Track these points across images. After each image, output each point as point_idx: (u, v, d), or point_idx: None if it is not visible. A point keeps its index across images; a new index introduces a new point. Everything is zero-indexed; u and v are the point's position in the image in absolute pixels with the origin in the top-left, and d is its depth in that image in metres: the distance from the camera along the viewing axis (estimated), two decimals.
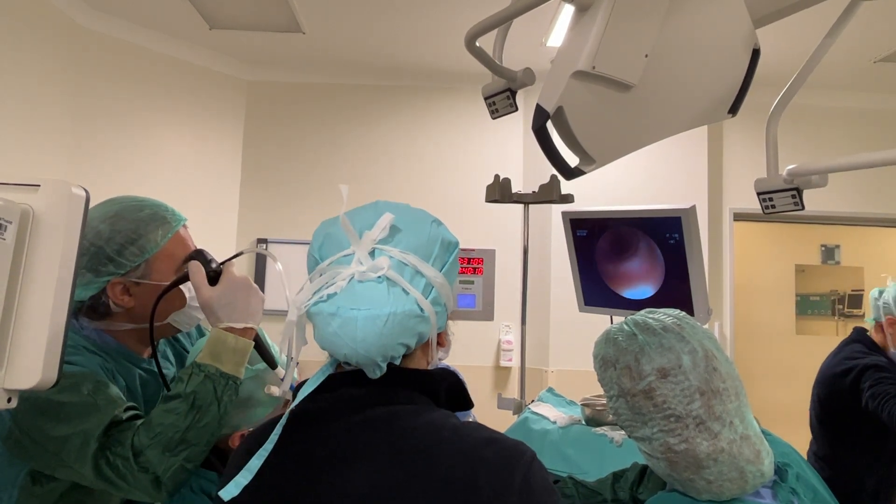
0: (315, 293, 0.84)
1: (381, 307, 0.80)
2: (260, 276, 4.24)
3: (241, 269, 4.18)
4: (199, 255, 1.21)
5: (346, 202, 0.91)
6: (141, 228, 1.20)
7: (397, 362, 0.84)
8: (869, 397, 2.46)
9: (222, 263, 1.21)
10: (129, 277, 1.19)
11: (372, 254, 0.85)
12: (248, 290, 1.18)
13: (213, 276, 1.17)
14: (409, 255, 0.85)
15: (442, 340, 0.92)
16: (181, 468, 1.04)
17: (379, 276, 0.83)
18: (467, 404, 0.94)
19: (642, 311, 1.09)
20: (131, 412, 1.09)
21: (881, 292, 2.66)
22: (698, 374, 0.97)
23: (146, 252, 1.19)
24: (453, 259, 0.91)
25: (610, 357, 1.04)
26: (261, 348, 1.23)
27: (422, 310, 0.83)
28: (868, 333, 2.69)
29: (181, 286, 1.22)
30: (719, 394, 0.97)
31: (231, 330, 1.13)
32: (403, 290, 0.83)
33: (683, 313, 1.07)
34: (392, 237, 0.87)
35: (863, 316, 2.89)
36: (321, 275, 0.87)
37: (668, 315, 1.05)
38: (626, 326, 1.06)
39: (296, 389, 0.91)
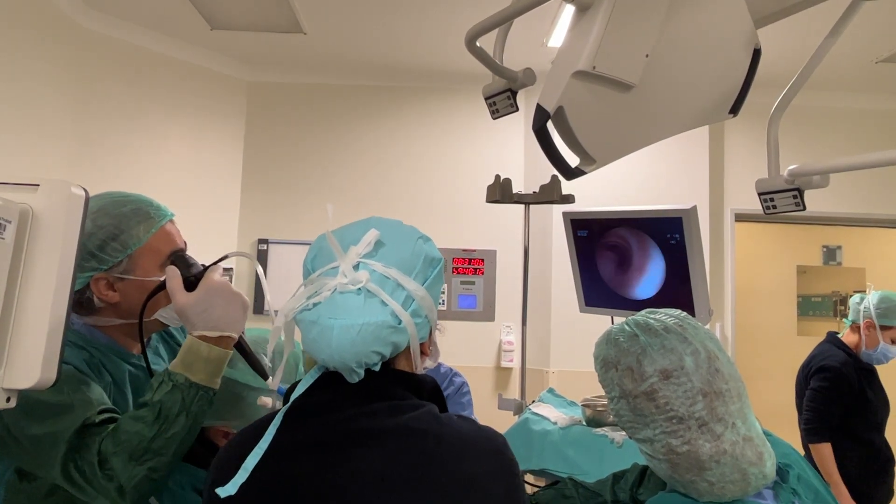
0: (302, 302, 0.90)
1: (356, 318, 0.86)
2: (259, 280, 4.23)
3: (242, 271, 4.20)
4: (180, 260, 1.19)
5: (331, 220, 0.98)
6: (122, 224, 1.18)
7: (376, 368, 0.89)
8: (808, 398, 2.89)
9: (207, 267, 1.19)
10: (113, 273, 1.17)
11: (356, 267, 0.90)
12: (227, 297, 1.14)
13: (194, 282, 1.14)
14: (392, 269, 0.91)
15: (425, 350, 0.97)
16: (146, 478, 1.02)
17: (358, 289, 0.88)
18: (443, 411, 0.98)
19: (643, 312, 1.09)
20: (105, 415, 1.07)
21: (862, 298, 2.99)
22: (701, 376, 0.97)
23: (128, 248, 1.17)
24: (436, 274, 0.96)
25: (611, 358, 1.03)
26: (248, 357, 1.21)
27: (399, 321, 0.88)
28: (839, 335, 3.04)
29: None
30: (722, 395, 0.96)
31: (205, 338, 1.10)
32: (382, 301, 0.88)
33: (685, 314, 1.06)
34: (376, 252, 0.92)
35: None
36: (311, 284, 0.92)
37: (669, 315, 1.05)
38: (627, 327, 1.05)
39: (287, 392, 0.94)
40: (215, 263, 1.20)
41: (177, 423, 1.05)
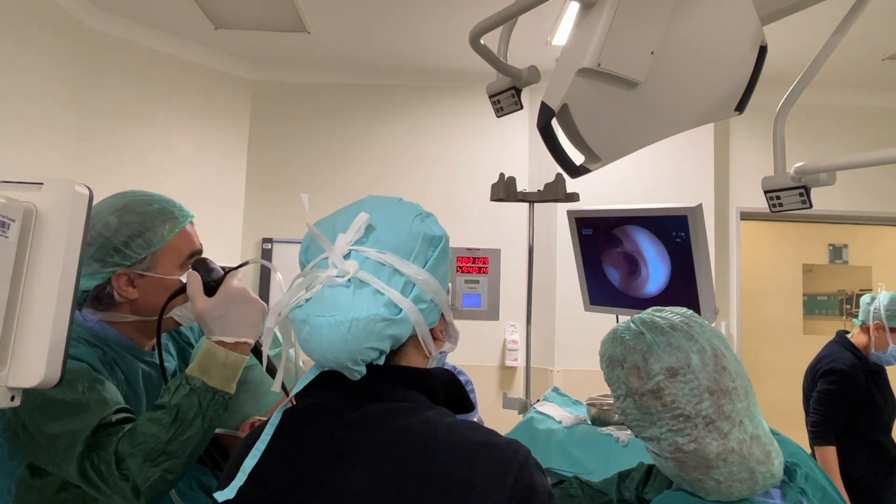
0: (293, 298, 0.85)
1: (345, 313, 0.79)
2: (265, 279, 4.24)
3: (247, 270, 4.20)
4: (202, 265, 1.20)
5: (307, 210, 0.92)
6: (148, 222, 1.21)
7: (380, 362, 0.83)
8: (815, 401, 2.85)
9: (228, 272, 1.20)
10: (135, 269, 1.20)
11: (347, 256, 0.85)
12: (245, 303, 1.15)
13: (214, 287, 1.16)
14: (387, 254, 0.84)
15: (437, 335, 0.90)
16: (161, 479, 1.04)
17: (347, 281, 0.82)
18: (467, 406, 0.93)
19: (649, 310, 1.08)
20: (122, 415, 1.08)
21: (873, 298, 2.93)
22: (707, 374, 0.96)
23: (152, 245, 1.20)
24: (439, 253, 0.90)
25: (617, 356, 1.03)
26: (262, 360, 1.22)
27: (396, 312, 0.82)
28: (849, 336, 2.99)
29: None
30: (729, 393, 0.96)
31: (222, 344, 1.12)
32: (375, 291, 0.82)
33: (691, 311, 1.06)
34: (367, 237, 0.86)
35: None
36: (304, 278, 0.87)
37: (675, 313, 1.04)
38: (632, 325, 1.05)
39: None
40: (235, 269, 1.21)
41: (193, 426, 1.06)
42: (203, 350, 1.11)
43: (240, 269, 1.22)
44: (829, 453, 2.75)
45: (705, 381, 0.96)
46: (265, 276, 4.25)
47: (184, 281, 1.21)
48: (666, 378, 0.97)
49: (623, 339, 1.03)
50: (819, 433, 2.80)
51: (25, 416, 1.06)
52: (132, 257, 1.19)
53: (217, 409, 1.10)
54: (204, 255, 1.27)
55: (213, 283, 1.17)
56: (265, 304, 1.18)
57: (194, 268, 1.19)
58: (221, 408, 1.11)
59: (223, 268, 1.22)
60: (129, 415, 1.10)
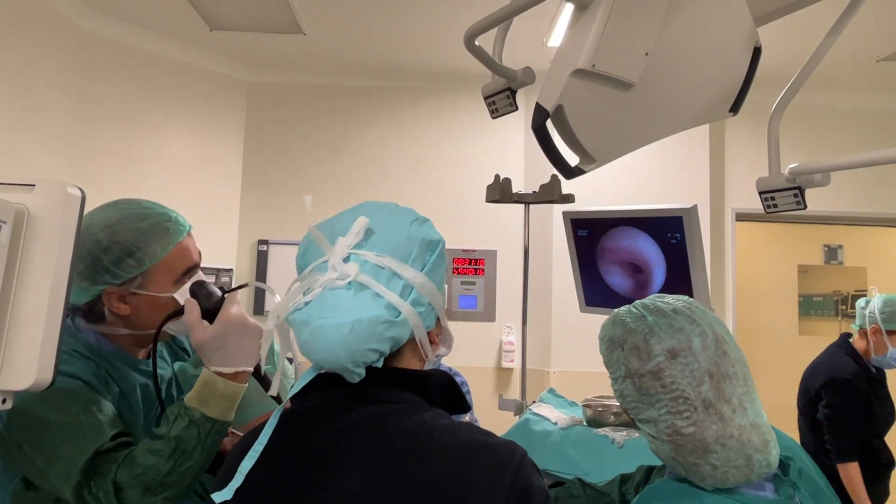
0: (292, 301, 0.85)
1: (346, 315, 0.81)
2: (261, 277, 4.22)
3: (242, 271, 4.19)
4: (200, 288, 1.18)
5: (309, 212, 0.93)
6: (140, 240, 1.17)
7: (378, 365, 0.84)
8: (826, 418, 2.77)
9: (226, 293, 1.18)
10: (126, 287, 1.17)
11: (347, 259, 0.86)
12: (243, 331, 1.14)
13: (212, 312, 1.15)
14: (386, 257, 0.85)
15: (434, 339, 0.91)
16: None
17: (348, 283, 0.83)
18: (463, 407, 0.93)
19: (651, 296, 1.09)
20: (119, 440, 1.08)
21: (868, 302, 2.90)
22: (708, 357, 0.96)
23: (144, 264, 1.17)
24: (436, 257, 0.91)
25: (618, 338, 1.03)
26: (262, 382, 1.22)
27: (396, 314, 0.83)
28: (851, 340, 2.94)
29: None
30: (729, 378, 0.96)
31: (221, 374, 1.11)
32: (375, 294, 0.83)
33: (692, 299, 1.06)
34: (367, 240, 0.87)
35: None
36: (303, 281, 0.88)
37: (677, 299, 1.05)
38: (634, 309, 1.05)
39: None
40: (233, 290, 1.20)
41: (192, 456, 1.06)
42: (201, 381, 1.11)
43: (237, 291, 1.20)
44: (853, 469, 2.68)
45: (706, 363, 0.96)
46: (261, 270, 4.23)
47: (178, 298, 1.19)
48: (666, 359, 0.97)
49: (624, 322, 1.04)
50: (840, 449, 2.71)
51: (21, 435, 1.06)
52: (123, 276, 1.16)
53: (216, 438, 1.10)
54: (201, 267, 1.25)
55: (210, 309, 1.15)
56: (262, 328, 1.17)
57: (192, 292, 1.17)
58: (220, 437, 1.11)
59: (221, 288, 1.21)
60: (126, 438, 1.10)
